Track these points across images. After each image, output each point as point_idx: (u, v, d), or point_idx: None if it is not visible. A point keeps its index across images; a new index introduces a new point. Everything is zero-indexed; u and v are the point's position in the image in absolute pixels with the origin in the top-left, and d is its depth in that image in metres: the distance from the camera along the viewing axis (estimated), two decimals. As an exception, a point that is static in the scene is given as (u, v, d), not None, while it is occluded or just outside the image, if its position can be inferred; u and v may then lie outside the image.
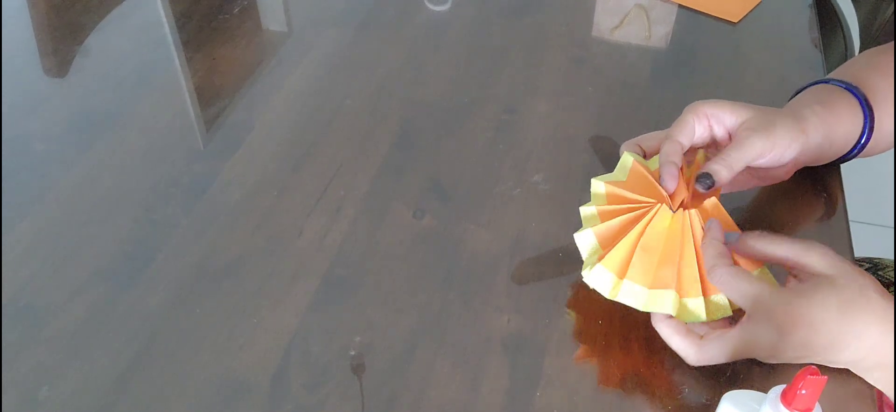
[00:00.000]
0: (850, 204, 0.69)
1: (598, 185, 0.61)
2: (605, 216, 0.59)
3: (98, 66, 0.87)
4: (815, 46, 0.89)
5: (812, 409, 0.43)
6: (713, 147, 0.64)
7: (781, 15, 0.95)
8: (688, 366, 0.55)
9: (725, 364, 0.55)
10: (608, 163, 0.73)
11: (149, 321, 0.60)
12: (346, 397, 0.55)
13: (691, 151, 0.63)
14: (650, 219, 0.57)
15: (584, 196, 0.62)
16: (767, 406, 0.44)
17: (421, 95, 0.82)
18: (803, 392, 0.42)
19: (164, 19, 0.93)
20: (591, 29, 0.93)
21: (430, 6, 0.97)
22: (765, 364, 0.54)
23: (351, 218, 0.68)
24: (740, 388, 0.50)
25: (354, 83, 0.84)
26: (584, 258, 0.60)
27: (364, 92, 0.82)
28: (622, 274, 0.56)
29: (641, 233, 0.56)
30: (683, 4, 0.96)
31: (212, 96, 0.82)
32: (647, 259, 0.56)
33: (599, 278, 0.57)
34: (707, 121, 0.61)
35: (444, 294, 0.62)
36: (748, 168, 0.60)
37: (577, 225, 0.60)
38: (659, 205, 0.57)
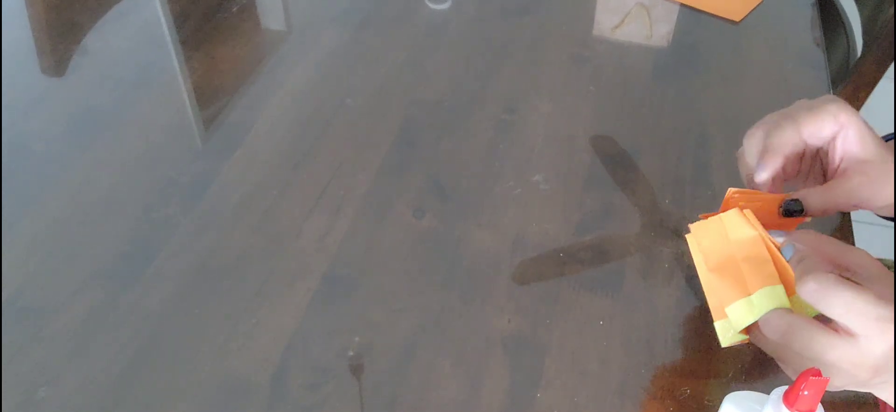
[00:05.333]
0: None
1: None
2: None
3: (96, 65, 0.86)
4: (817, 46, 0.89)
5: (814, 411, 0.43)
6: (810, 155, 0.58)
7: (783, 14, 0.94)
8: (689, 366, 0.55)
9: (730, 365, 0.54)
10: (608, 163, 0.73)
11: (148, 321, 0.60)
12: (346, 397, 0.55)
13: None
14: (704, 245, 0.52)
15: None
16: (769, 407, 0.44)
17: (421, 95, 0.82)
18: (805, 393, 0.42)
19: (163, 18, 0.93)
20: (592, 28, 0.93)
21: (431, 5, 0.97)
22: (768, 363, 0.54)
23: (351, 218, 0.68)
24: (742, 390, 0.50)
25: (354, 82, 0.83)
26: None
27: (364, 91, 0.82)
28: (723, 307, 0.50)
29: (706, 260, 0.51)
30: (685, 3, 0.96)
31: (211, 95, 0.82)
32: (725, 275, 0.51)
33: (723, 331, 0.51)
34: (839, 129, 0.54)
35: (444, 294, 0.62)
36: None
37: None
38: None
